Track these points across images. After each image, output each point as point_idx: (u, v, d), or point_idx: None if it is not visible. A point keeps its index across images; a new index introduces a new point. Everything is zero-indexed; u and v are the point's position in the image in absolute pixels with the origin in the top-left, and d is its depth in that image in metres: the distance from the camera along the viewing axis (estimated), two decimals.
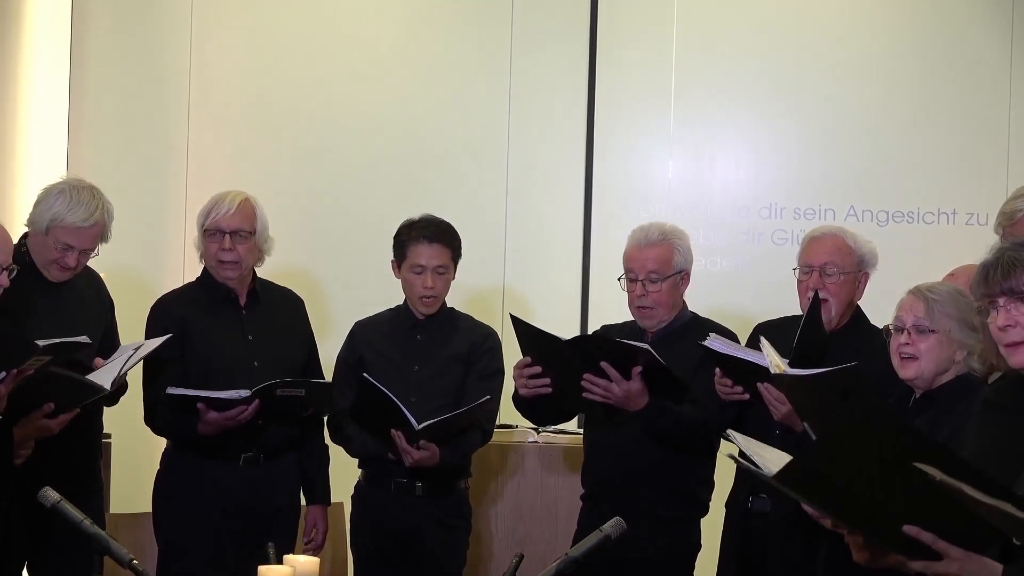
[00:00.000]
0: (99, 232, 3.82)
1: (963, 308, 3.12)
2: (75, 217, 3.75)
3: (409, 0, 6.09)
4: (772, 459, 2.67)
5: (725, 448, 3.93)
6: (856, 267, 3.91)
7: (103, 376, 3.60)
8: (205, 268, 4.13)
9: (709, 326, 3.98)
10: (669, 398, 3.85)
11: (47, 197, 3.81)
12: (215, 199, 4.08)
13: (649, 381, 3.80)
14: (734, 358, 3.70)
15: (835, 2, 5.99)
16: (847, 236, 3.96)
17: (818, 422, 3.35)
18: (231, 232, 4.01)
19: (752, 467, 2.50)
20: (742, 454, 2.98)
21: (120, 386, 3.80)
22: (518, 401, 4.02)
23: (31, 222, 3.80)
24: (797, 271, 3.96)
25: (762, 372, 3.58)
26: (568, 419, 4.41)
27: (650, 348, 3.77)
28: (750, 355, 3.67)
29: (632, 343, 3.82)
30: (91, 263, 3.98)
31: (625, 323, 4.14)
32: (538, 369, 3.87)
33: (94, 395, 3.61)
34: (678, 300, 4.07)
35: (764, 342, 3.67)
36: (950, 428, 2.95)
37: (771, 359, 3.53)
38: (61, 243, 3.76)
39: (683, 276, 4.06)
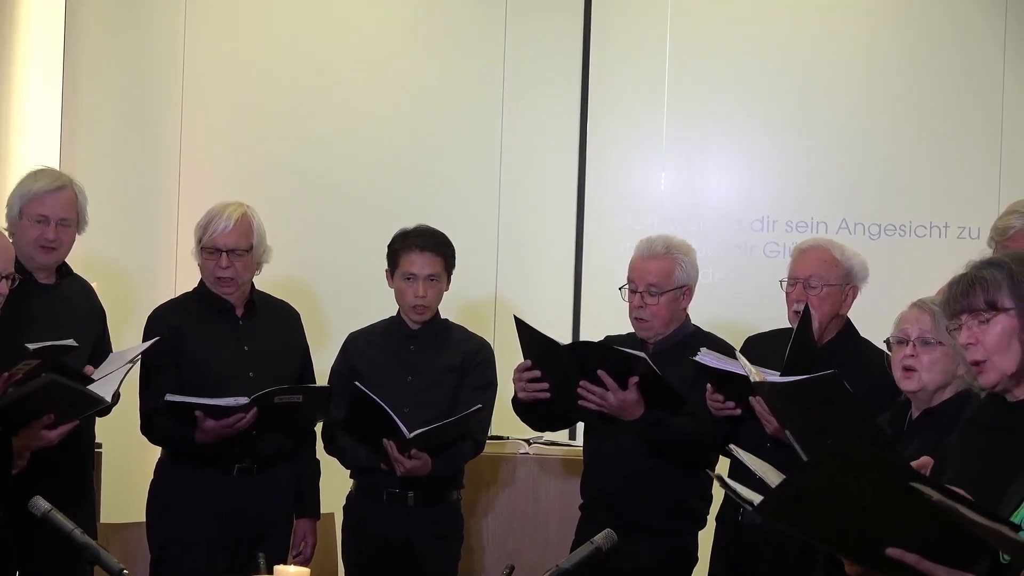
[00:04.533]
0: (70, 199, 3.81)
1: None
2: (41, 184, 3.78)
3: (402, 9, 6.09)
4: (775, 481, 2.65)
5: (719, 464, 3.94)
6: (842, 280, 3.91)
7: (104, 387, 3.58)
8: (203, 279, 4.12)
9: (710, 340, 3.97)
10: (665, 410, 3.84)
11: (16, 186, 3.83)
12: (212, 213, 4.04)
13: (646, 392, 3.79)
14: (724, 372, 3.70)
15: (828, 16, 6.00)
16: (834, 249, 3.96)
17: (799, 429, 3.34)
18: (228, 251, 3.99)
19: (735, 494, 2.48)
20: (730, 475, 2.96)
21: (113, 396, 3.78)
22: (516, 405, 4.01)
23: (7, 217, 3.82)
24: (784, 283, 3.97)
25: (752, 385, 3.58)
26: (566, 426, 4.39)
27: (647, 358, 3.76)
28: (739, 368, 3.66)
29: (630, 351, 3.80)
30: (82, 271, 3.98)
31: (627, 335, 4.11)
32: (537, 373, 3.85)
33: (95, 407, 3.60)
34: (678, 314, 4.05)
35: (739, 355, 3.67)
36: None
37: (748, 369, 3.53)
38: (35, 216, 3.76)
39: (685, 291, 4.03)
